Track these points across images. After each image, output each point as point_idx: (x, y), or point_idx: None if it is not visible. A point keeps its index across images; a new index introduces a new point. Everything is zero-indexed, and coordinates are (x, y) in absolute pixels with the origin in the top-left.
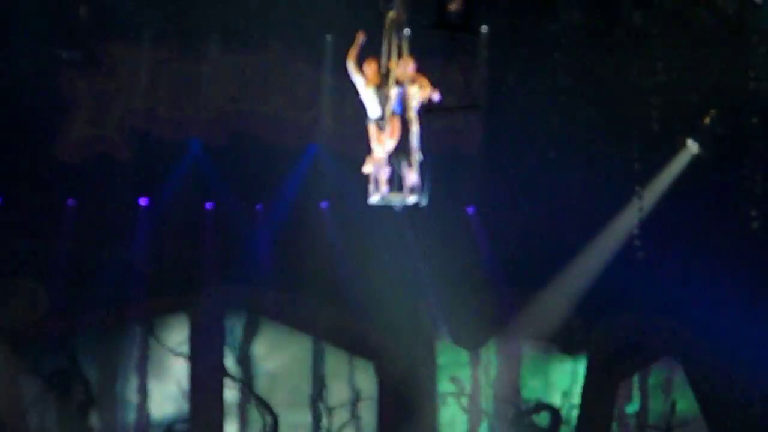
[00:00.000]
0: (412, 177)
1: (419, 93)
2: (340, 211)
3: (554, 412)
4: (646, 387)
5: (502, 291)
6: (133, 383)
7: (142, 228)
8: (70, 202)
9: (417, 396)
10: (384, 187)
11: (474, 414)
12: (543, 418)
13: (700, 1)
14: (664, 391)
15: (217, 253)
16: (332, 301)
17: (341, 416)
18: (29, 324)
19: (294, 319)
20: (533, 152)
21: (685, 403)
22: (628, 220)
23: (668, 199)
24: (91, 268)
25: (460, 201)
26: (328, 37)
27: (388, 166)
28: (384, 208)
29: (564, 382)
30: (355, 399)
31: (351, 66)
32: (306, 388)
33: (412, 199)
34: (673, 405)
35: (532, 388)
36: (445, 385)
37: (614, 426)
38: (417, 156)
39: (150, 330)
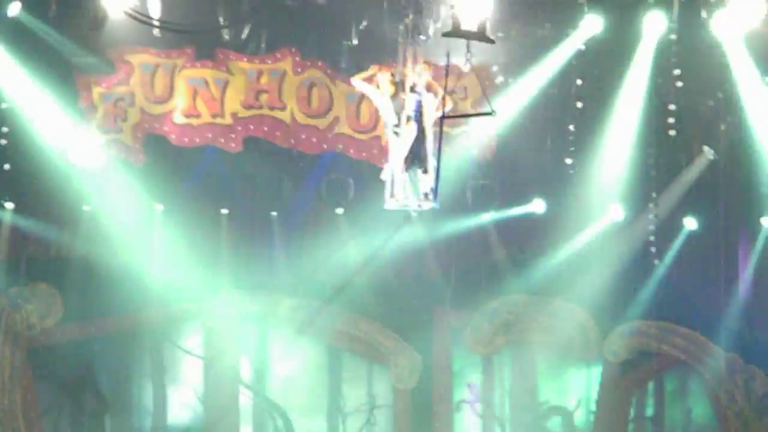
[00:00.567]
0: (428, 183)
1: (435, 99)
2: (355, 218)
3: (566, 416)
4: (662, 394)
5: (518, 297)
6: (148, 389)
7: (157, 234)
8: (86, 207)
9: (433, 401)
10: (400, 193)
11: (488, 420)
12: (555, 423)
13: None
14: (681, 398)
15: (232, 258)
16: (347, 307)
17: (357, 422)
18: (45, 330)
19: (309, 325)
20: (548, 158)
21: (702, 409)
22: (644, 226)
23: (684, 206)
24: (106, 274)
25: (475, 206)
26: (344, 43)
27: (405, 172)
28: (399, 214)
29: (579, 388)
30: (371, 405)
31: (357, 82)
32: (322, 394)
33: (428, 205)
34: (689, 412)
35: (548, 395)
36: (460, 392)
37: None
38: (433, 162)
39: (165, 336)
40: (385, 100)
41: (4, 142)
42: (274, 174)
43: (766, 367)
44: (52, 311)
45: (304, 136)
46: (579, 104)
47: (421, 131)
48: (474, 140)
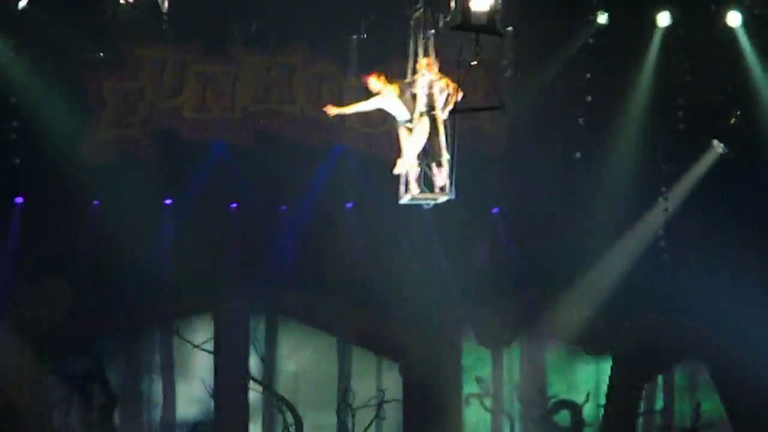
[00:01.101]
0: (441, 176)
1: (445, 93)
2: (365, 212)
3: (574, 409)
4: (671, 388)
5: (527, 292)
6: (157, 384)
7: (166, 228)
8: (95, 202)
9: (442, 397)
10: (414, 188)
11: (498, 415)
12: (564, 417)
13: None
14: (689, 392)
15: (241, 253)
16: (357, 302)
17: (366, 417)
18: (54, 324)
19: (318, 320)
20: (558, 153)
21: (711, 404)
22: (654, 220)
23: (694, 200)
24: (115, 269)
25: (485, 201)
26: (354, 38)
27: (418, 167)
28: (408, 209)
29: (589, 382)
30: (380, 400)
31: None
32: (331, 388)
33: (442, 198)
34: (698, 406)
35: (557, 389)
36: (469, 386)
37: (640, 426)
38: (445, 155)
39: (174, 330)
40: (393, 102)
41: (14, 136)
42: (284, 168)
43: None
44: (62, 306)
45: (313, 131)
46: (589, 98)
47: (433, 125)
48: (483, 134)
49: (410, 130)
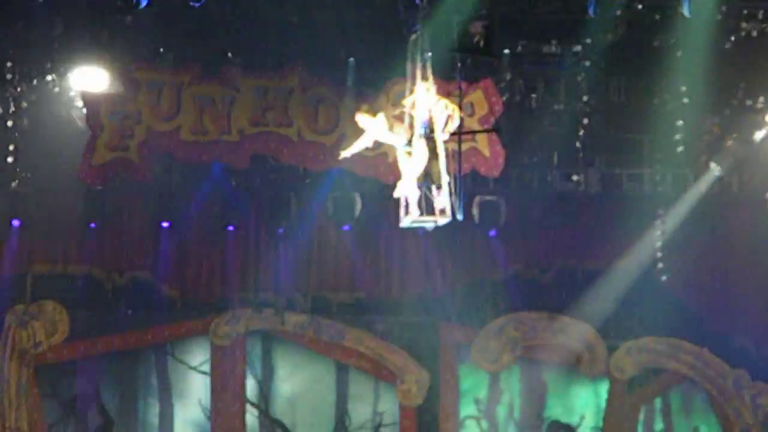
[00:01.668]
0: (441, 199)
1: (444, 116)
2: (362, 234)
3: (570, 431)
4: (669, 410)
5: (525, 314)
6: (153, 407)
7: (164, 250)
8: (92, 225)
9: (439, 419)
10: (414, 210)
11: None
12: None
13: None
14: (687, 415)
15: (238, 275)
16: (355, 324)
17: None
18: (51, 347)
19: (316, 343)
20: (556, 175)
21: (708, 426)
22: (652, 242)
23: (691, 222)
24: (112, 291)
25: (484, 223)
26: (351, 60)
27: (418, 189)
28: (406, 231)
29: (586, 405)
30: (377, 422)
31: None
32: (328, 410)
33: (442, 221)
34: (696, 429)
35: (554, 411)
36: (466, 409)
37: None
38: (445, 178)
39: (171, 353)
40: (384, 134)
41: (11, 159)
42: (281, 191)
43: None
44: (59, 328)
45: (310, 153)
46: (586, 120)
47: (432, 148)
48: (481, 156)
49: (409, 153)
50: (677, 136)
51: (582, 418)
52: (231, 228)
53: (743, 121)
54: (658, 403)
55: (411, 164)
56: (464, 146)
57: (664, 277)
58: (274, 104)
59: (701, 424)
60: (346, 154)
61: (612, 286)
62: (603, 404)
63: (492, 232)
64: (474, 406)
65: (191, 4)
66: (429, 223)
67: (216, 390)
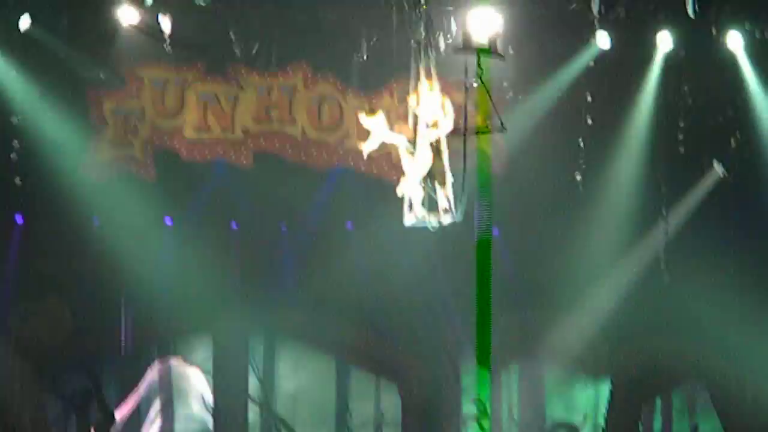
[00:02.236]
0: (444, 198)
1: (447, 115)
2: (365, 233)
3: (573, 431)
4: (669, 409)
5: (527, 313)
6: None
7: (167, 248)
8: (96, 222)
9: (441, 417)
10: (418, 209)
11: None
12: None
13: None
14: (688, 415)
15: (241, 273)
16: (357, 322)
17: None
18: (54, 343)
19: (319, 341)
20: (558, 174)
21: (709, 426)
22: (654, 242)
23: (694, 222)
24: (115, 288)
25: (485, 222)
26: (355, 59)
27: (421, 188)
28: (409, 230)
29: (587, 404)
30: (379, 420)
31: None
32: (330, 408)
33: (446, 220)
34: (696, 428)
35: (555, 411)
36: (467, 407)
37: None
38: (449, 177)
39: (173, 350)
40: (386, 134)
41: (15, 156)
42: (285, 189)
43: None
44: (62, 325)
45: (314, 151)
46: (589, 121)
47: (436, 147)
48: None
49: (412, 152)
50: (680, 137)
51: (585, 417)
52: (234, 225)
53: None
54: (658, 402)
55: (414, 163)
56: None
57: (667, 277)
58: (278, 102)
59: (701, 423)
60: (366, 151)
61: (615, 285)
62: (604, 403)
63: (494, 230)
64: (474, 405)
65: (196, 2)
66: (432, 222)
67: (218, 387)
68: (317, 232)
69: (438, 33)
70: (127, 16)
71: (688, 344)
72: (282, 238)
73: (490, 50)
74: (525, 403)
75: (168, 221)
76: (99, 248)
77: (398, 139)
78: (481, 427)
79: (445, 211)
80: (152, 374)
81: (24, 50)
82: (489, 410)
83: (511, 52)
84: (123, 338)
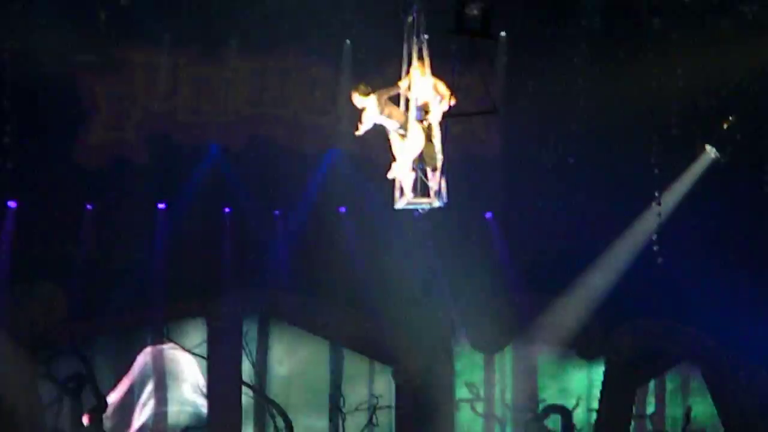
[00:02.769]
0: (436, 181)
1: (439, 98)
2: (358, 216)
3: (565, 414)
4: (662, 392)
5: (521, 296)
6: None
7: (160, 232)
8: (89, 206)
9: (434, 401)
10: (409, 193)
11: (489, 419)
12: (554, 421)
13: (720, 6)
14: (681, 396)
15: (235, 257)
16: (350, 306)
17: (358, 420)
18: (47, 328)
19: (312, 324)
20: (552, 157)
21: (701, 408)
22: (647, 225)
23: (687, 204)
24: (109, 272)
25: (479, 206)
26: (347, 42)
27: (412, 172)
28: (402, 213)
29: (581, 387)
30: (373, 403)
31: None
32: (323, 392)
33: (437, 203)
34: (688, 411)
35: (549, 393)
36: (461, 390)
37: (632, 430)
38: (441, 160)
39: (167, 334)
40: (378, 116)
41: (7, 140)
42: (278, 172)
43: None
44: (56, 309)
45: (307, 135)
46: (582, 102)
47: (427, 130)
48: (477, 138)
49: (403, 135)
50: (673, 119)
51: (578, 400)
52: (227, 209)
53: None
54: (652, 384)
55: (405, 146)
56: (460, 129)
57: (660, 259)
58: (271, 86)
59: (694, 405)
60: (359, 133)
61: (608, 268)
62: (598, 386)
63: (488, 214)
64: (467, 389)
65: None
66: (423, 205)
67: (211, 371)
68: (311, 215)
69: (430, 15)
70: None
71: (682, 326)
72: (275, 222)
73: (483, 32)
74: (518, 387)
75: (161, 205)
76: (92, 232)
77: (390, 123)
78: (474, 410)
79: (437, 194)
80: (145, 358)
81: (16, 34)
82: (482, 393)
83: (503, 34)
84: (116, 322)
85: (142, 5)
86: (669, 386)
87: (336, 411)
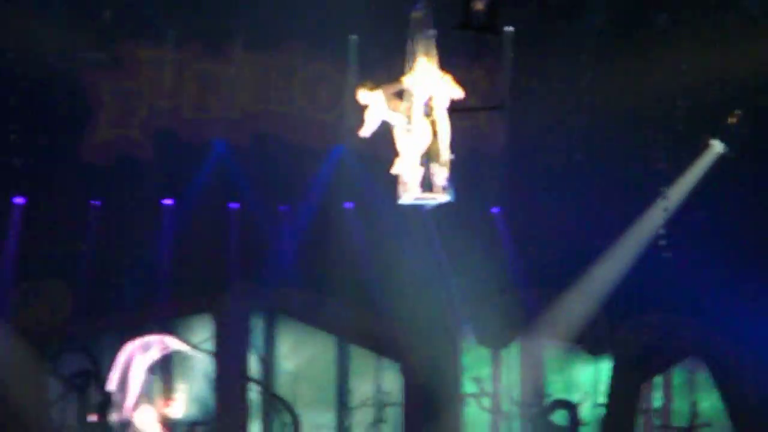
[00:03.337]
0: (442, 176)
1: (445, 93)
2: (364, 212)
3: (572, 409)
4: (669, 386)
5: (527, 291)
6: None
7: (166, 229)
8: (95, 203)
9: (441, 396)
10: (414, 188)
11: (496, 414)
12: (561, 416)
13: (725, 1)
14: (688, 391)
15: (241, 253)
16: (357, 302)
17: (365, 416)
18: (54, 325)
19: (319, 320)
20: (558, 153)
21: (709, 402)
22: (654, 220)
23: (693, 199)
24: (115, 269)
25: (485, 201)
26: (353, 38)
27: (418, 167)
28: (408, 209)
29: (587, 382)
30: (380, 399)
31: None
32: (330, 388)
33: (442, 199)
34: (694, 405)
35: (555, 389)
36: (467, 385)
37: (639, 425)
38: (446, 155)
39: (174, 331)
40: (385, 112)
41: (14, 137)
42: (284, 168)
43: None
44: (62, 306)
45: (312, 131)
46: (588, 98)
47: (433, 126)
48: (482, 134)
49: (409, 131)
50: (679, 114)
51: (585, 395)
52: (233, 206)
53: None
54: (659, 379)
55: (411, 142)
56: (466, 124)
57: (666, 254)
58: (276, 82)
59: (701, 400)
60: (365, 133)
61: (615, 263)
62: (605, 381)
63: (494, 209)
64: (474, 384)
65: None
66: (429, 201)
67: (219, 367)
68: (317, 212)
69: (436, 11)
70: None
71: (689, 321)
72: (281, 218)
73: (489, 28)
74: (525, 382)
75: (167, 201)
76: (99, 229)
77: (396, 118)
78: (480, 405)
79: (442, 189)
80: (153, 355)
81: (22, 31)
82: (489, 389)
83: (509, 29)
84: (122, 319)
85: (147, 2)
86: (675, 381)
87: (342, 407)
